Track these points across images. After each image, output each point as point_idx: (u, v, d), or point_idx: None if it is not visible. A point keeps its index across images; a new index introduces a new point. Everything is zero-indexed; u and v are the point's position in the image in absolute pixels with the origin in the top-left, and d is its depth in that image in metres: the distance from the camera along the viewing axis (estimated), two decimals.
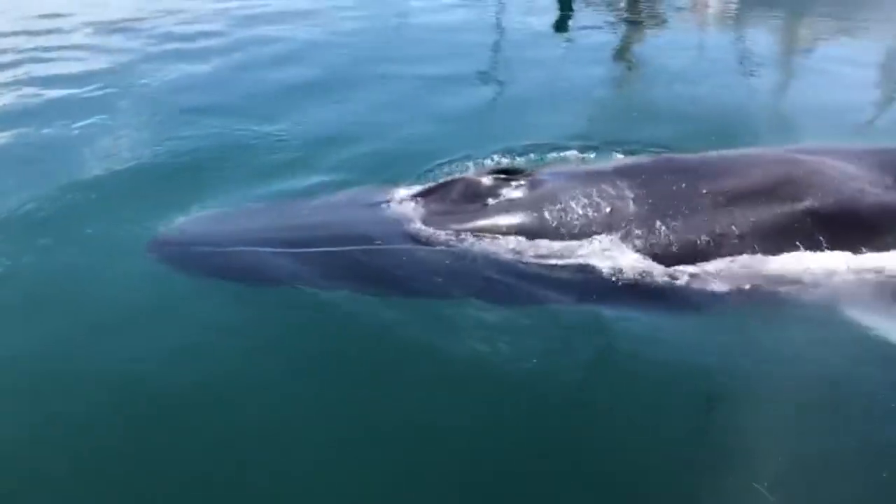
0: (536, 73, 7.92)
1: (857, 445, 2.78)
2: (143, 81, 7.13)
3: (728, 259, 3.40)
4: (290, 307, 3.43)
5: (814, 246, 3.39)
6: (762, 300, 3.33)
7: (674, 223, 3.44)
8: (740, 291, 3.32)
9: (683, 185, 3.52)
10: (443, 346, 3.18)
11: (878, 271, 3.38)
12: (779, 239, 3.40)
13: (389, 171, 4.74)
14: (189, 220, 3.96)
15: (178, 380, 3.03)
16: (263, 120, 5.92)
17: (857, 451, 2.75)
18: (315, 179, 4.77)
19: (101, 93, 6.73)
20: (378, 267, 3.47)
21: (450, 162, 4.87)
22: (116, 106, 6.33)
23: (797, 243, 3.40)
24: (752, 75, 8.29)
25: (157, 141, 5.44)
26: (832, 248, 3.40)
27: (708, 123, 6.04)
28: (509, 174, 3.73)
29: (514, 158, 4.82)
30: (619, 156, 4.74)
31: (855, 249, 3.40)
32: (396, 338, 3.22)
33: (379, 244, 3.53)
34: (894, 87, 8.16)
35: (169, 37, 9.13)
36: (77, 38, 9.06)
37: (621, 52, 9.25)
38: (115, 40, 8.96)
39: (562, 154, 4.94)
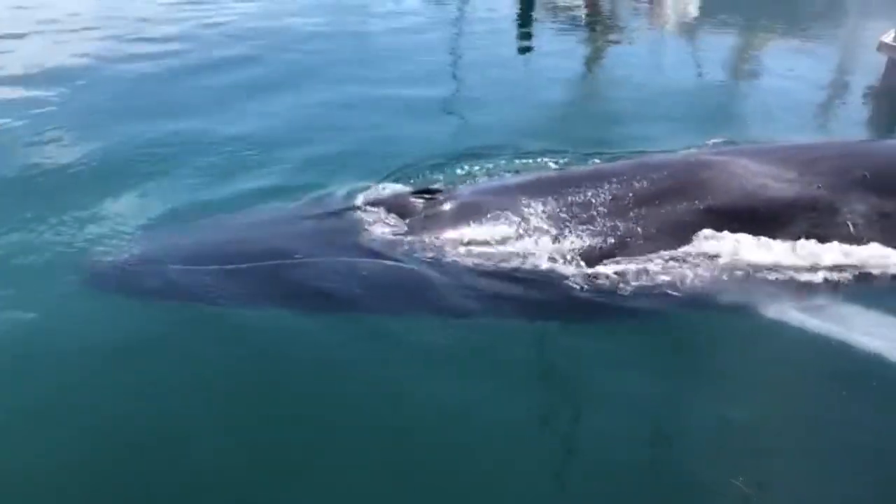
0: (499, 83, 8.04)
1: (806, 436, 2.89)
2: (90, 90, 7.14)
3: (645, 258, 3.52)
4: (224, 325, 3.42)
5: (721, 240, 3.55)
6: (678, 296, 3.43)
7: (587, 227, 3.58)
8: (655, 288, 3.44)
9: (595, 191, 3.67)
10: (370, 357, 3.24)
11: (783, 260, 3.52)
12: (687, 236, 3.55)
13: (336, 182, 4.72)
14: (127, 239, 3.97)
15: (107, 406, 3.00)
16: (215, 131, 5.97)
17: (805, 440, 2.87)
18: (266, 190, 4.79)
19: (44, 98, 6.72)
20: (311, 280, 3.51)
21: (406, 171, 4.93)
22: (58, 113, 6.33)
23: (704, 238, 3.54)
24: (708, 82, 8.51)
25: (101, 150, 5.41)
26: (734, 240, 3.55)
27: (667, 128, 6.22)
28: (430, 193, 3.86)
29: (483, 166, 4.91)
30: (597, 160, 4.88)
31: (760, 240, 3.56)
32: (325, 352, 3.27)
33: (309, 258, 3.57)
34: (841, 90, 8.46)
35: (128, 44, 9.18)
36: (26, 44, 9.10)
37: (583, 63, 9.47)
38: (66, 46, 8.96)
39: (528, 161, 5.03)
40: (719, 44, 10.31)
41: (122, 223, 4.27)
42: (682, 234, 3.56)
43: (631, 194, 3.65)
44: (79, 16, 10.63)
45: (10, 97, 6.79)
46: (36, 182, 4.88)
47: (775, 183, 3.66)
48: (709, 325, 3.57)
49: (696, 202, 3.61)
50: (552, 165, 4.92)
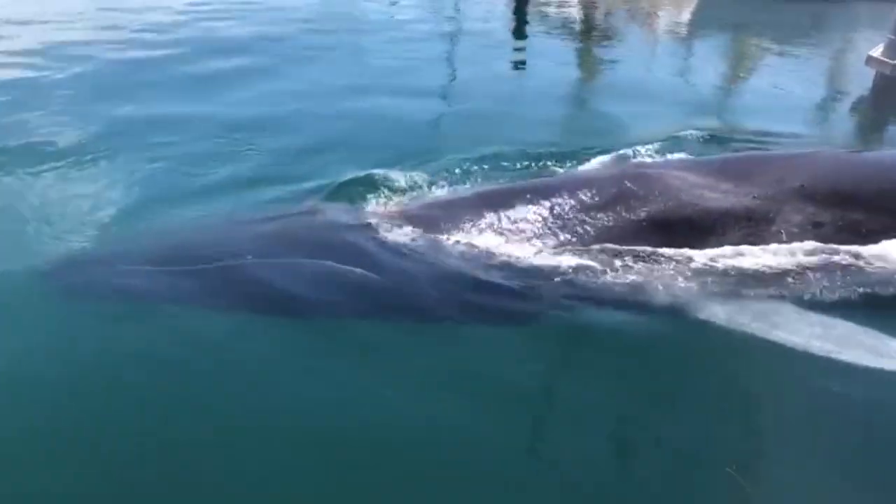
0: (492, 89, 8.11)
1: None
2: (81, 82, 7.21)
3: (585, 267, 3.57)
4: (187, 327, 3.38)
5: (654, 247, 3.62)
6: (615, 302, 3.49)
7: (529, 237, 3.69)
8: (595, 296, 3.50)
9: (533, 205, 3.79)
10: (327, 361, 3.23)
11: (717, 268, 3.57)
12: (624, 246, 3.63)
13: (319, 186, 4.78)
14: (96, 237, 4.00)
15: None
16: (203, 131, 6.02)
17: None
18: (245, 195, 4.79)
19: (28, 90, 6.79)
20: (273, 283, 3.53)
21: (391, 176, 4.85)
22: (38, 105, 6.39)
23: (642, 248, 3.61)
24: (699, 90, 8.54)
25: (80, 144, 5.44)
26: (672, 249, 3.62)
27: (657, 134, 6.22)
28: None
29: (473, 169, 4.97)
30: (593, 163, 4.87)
31: (694, 249, 3.61)
32: (284, 355, 3.27)
33: (271, 261, 3.61)
34: (830, 103, 8.47)
35: (125, 44, 9.25)
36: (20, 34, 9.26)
37: (575, 69, 9.56)
38: (54, 39, 9.07)
39: (517, 164, 5.11)
40: (711, 53, 10.34)
41: (94, 219, 4.31)
42: (618, 244, 3.64)
43: (569, 207, 3.75)
44: (79, 12, 10.86)
45: None
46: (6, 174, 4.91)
47: (711, 193, 3.71)
48: (649, 328, 3.54)
49: (633, 213, 3.68)
50: (557, 170, 4.96)
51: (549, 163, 5.13)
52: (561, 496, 2.60)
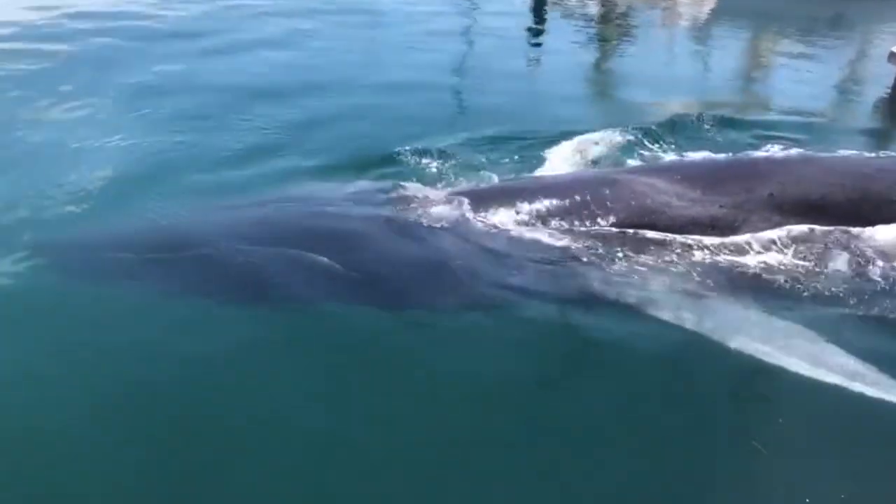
0: (510, 84, 8.12)
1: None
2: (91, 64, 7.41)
3: (552, 266, 3.61)
4: (175, 313, 3.39)
5: (622, 254, 3.67)
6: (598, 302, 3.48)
7: (499, 238, 3.75)
8: (564, 294, 3.51)
9: (516, 203, 3.86)
10: (319, 350, 3.24)
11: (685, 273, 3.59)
12: (592, 249, 3.67)
13: (330, 174, 4.81)
14: (86, 225, 4.05)
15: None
16: (208, 126, 6.03)
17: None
18: (252, 181, 4.80)
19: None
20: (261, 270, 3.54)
21: (408, 163, 4.98)
22: (37, 95, 6.47)
23: (608, 253, 3.64)
24: (717, 84, 8.45)
25: (84, 122, 5.58)
26: (638, 256, 3.64)
27: (669, 126, 6.16)
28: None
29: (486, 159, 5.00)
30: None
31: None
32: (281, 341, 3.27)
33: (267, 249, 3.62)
34: (850, 99, 8.28)
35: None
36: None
37: (594, 64, 9.51)
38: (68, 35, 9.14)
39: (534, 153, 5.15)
40: (731, 46, 10.15)
41: (105, 199, 4.35)
42: (584, 246, 3.69)
43: (536, 210, 3.80)
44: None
45: None
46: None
47: (677, 201, 3.74)
48: (647, 327, 3.45)
49: (598, 219, 3.72)
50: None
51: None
52: (561, 496, 2.60)
